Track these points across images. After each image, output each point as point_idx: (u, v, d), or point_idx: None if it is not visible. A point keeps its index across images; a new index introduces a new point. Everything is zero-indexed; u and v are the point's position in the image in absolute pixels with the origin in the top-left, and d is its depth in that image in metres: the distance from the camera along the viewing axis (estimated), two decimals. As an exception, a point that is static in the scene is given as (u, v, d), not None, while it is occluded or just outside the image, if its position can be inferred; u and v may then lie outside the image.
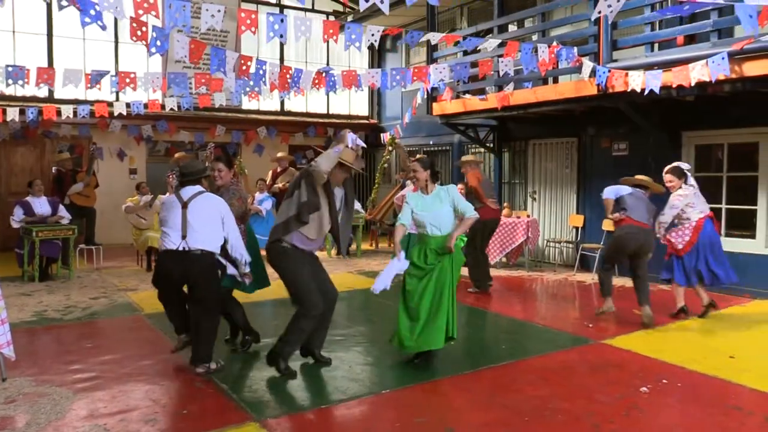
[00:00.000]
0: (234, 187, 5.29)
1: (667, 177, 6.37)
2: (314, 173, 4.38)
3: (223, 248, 4.82)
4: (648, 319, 6.08)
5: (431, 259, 4.88)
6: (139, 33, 5.24)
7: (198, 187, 4.78)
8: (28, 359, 4.92)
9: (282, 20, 5.41)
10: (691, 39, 7.46)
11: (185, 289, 4.87)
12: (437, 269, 4.85)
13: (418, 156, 11.47)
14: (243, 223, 5.41)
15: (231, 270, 4.98)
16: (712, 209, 6.43)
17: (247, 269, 4.95)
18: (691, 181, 6.39)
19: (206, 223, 4.64)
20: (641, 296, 6.24)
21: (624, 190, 6.30)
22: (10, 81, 6.88)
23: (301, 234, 4.50)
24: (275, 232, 4.53)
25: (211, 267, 4.71)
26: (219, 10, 5.19)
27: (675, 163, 6.47)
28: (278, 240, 4.52)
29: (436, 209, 4.91)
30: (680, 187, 6.30)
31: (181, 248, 4.57)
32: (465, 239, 5.98)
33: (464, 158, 8.46)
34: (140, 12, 4.81)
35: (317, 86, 7.44)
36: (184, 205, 4.63)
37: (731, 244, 7.75)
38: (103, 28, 4.87)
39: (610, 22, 7.64)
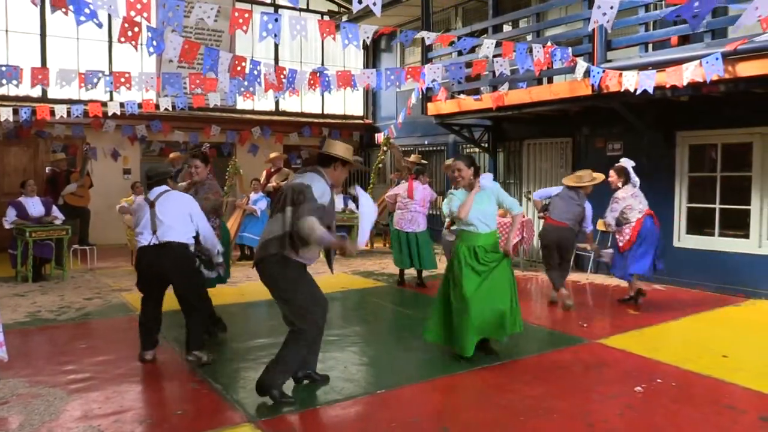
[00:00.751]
0: (209, 182, 5.59)
1: (610, 173, 6.83)
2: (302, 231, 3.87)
3: (197, 241, 5.03)
4: (565, 300, 6.76)
5: (483, 257, 4.82)
6: (129, 34, 5.22)
7: (163, 187, 4.98)
8: (21, 360, 4.90)
9: (276, 20, 5.39)
10: (684, 39, 7.49)
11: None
12: (498, 269, 4.84)
13: (414, 154, 11.40)
14: (218, 217, 5.66)
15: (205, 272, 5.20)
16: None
17: (220, 259, 5.24)
18: (635, 178, 6.76)
19: (175, 218, 4.82)
20: (556, 281, 6.84)
21: (553, 191, 6.90)
22: (3, 81, 6.84)
23: (296, 251, 4.03)
24: (268, 246, 4.01)
25: (185, 258, 4.86)
26: (212, 9, 5.17)
27: (621, 162, 6.86)
28: (273, 254, 4.00)
29: (483, 206, 4.88)
30: (619, 187, 6.72)
31: (152, 243, 4.75)
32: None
33: (448, 162, 8.63)
34: (132, 13, 4.79)
35: (312, 87, 7.43)
36: (151, 204, 4.84)
37: (725, 244, 7.79)
38: (99, 25, 4.86)
39: (609, 27, 7.65)
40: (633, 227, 6.59)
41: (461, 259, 4.84)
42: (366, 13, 12.29)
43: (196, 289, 4.98)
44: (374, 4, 4.52)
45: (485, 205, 4.88)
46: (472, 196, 4.85)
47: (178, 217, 4.84)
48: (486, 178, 5.00)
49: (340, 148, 4.19)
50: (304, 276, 4.15)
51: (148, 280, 4.89)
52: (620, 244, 6.71)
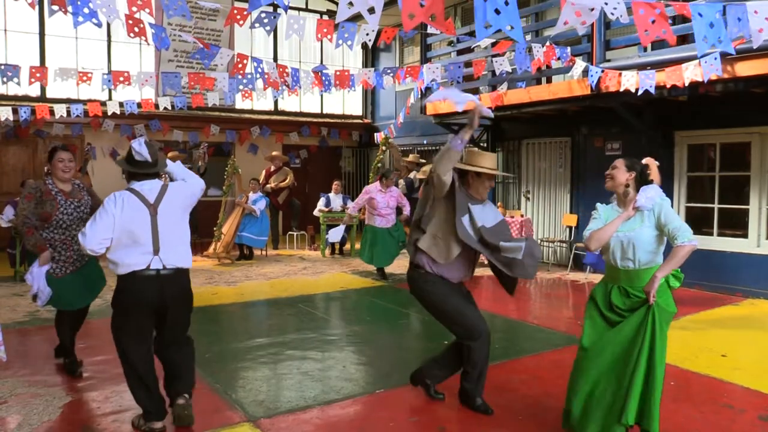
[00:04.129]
0: (82, 184, 4.65)
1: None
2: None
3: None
4: None
5: (618, 302, 3.40)
6: (136, 29, 5.24)
7: (156, 181, 3.69)
8: (20, 360, 4.90)
9: (274, 17, 5.38)
10: (683, 39, 7.50)
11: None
12: (632, 320, 3.34)
13: (413, 154, 11.37)
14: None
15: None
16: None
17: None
18: None
19: (179, 228, 3.63)
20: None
21: None
22: (4, 79, 6.84)
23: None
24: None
25: (189, 288, 3.73)
26: (213, 9, 5.16)
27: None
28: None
29: (630, 230, 3.32)
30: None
31: (154, 269, 3.47)
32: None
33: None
34: (134, 9, 4.77)
35: (314, 87, 7.46)
36: (153, 210, 3.52)
37: (723, 244, 7.80)
38: (98, 25, 4.85)
39: (613, 21, 7.66)
40: None
41: (591, 300, 3.59)
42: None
43: (189, 321, 3.82)
44: (371, 12, 4.15)
45: (633, 230, 3.32)
46: (619, 222, 3.33)
47: (183, 227, 3.65)
48: (648, 194, 3.33)
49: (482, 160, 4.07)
50: (452, 291, 3.97)
51: (143, 320, 3.55)
52: None
